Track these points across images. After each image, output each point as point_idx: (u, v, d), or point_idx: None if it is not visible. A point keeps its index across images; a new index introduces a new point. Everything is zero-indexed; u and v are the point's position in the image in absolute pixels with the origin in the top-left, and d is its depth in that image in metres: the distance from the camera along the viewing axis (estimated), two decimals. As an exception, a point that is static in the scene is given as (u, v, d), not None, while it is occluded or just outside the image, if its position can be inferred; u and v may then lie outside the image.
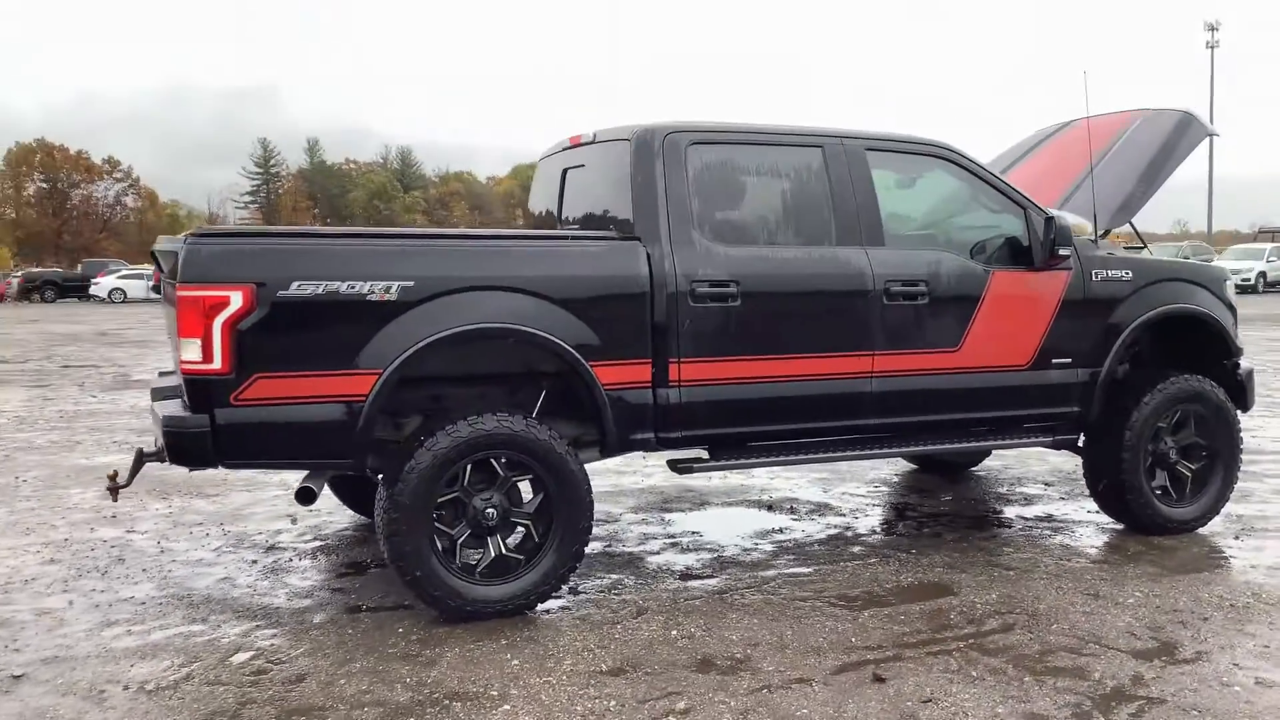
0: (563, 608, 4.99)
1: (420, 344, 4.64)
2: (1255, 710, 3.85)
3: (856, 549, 5.95)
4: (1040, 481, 7.65)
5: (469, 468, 4.79)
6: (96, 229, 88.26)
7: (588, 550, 5.78)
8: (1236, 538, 6.17)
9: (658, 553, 5.89)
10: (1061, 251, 5.71)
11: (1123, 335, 6.03)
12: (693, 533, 6.32)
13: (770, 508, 6.94)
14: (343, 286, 4.57)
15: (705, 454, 5.40)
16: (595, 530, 6.22)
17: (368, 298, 4.60)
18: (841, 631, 4.65)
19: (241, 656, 4.42)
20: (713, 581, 5.37)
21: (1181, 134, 6.59)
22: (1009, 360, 5.81)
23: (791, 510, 6.86)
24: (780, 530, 6.36)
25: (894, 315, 5.51)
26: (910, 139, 5.85)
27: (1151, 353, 6.73)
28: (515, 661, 4.33)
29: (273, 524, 6.57)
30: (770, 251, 5.36)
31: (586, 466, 5.04)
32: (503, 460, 4.83)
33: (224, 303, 4.41)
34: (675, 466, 5.38)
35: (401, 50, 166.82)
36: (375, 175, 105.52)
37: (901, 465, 8.17)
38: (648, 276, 5.07)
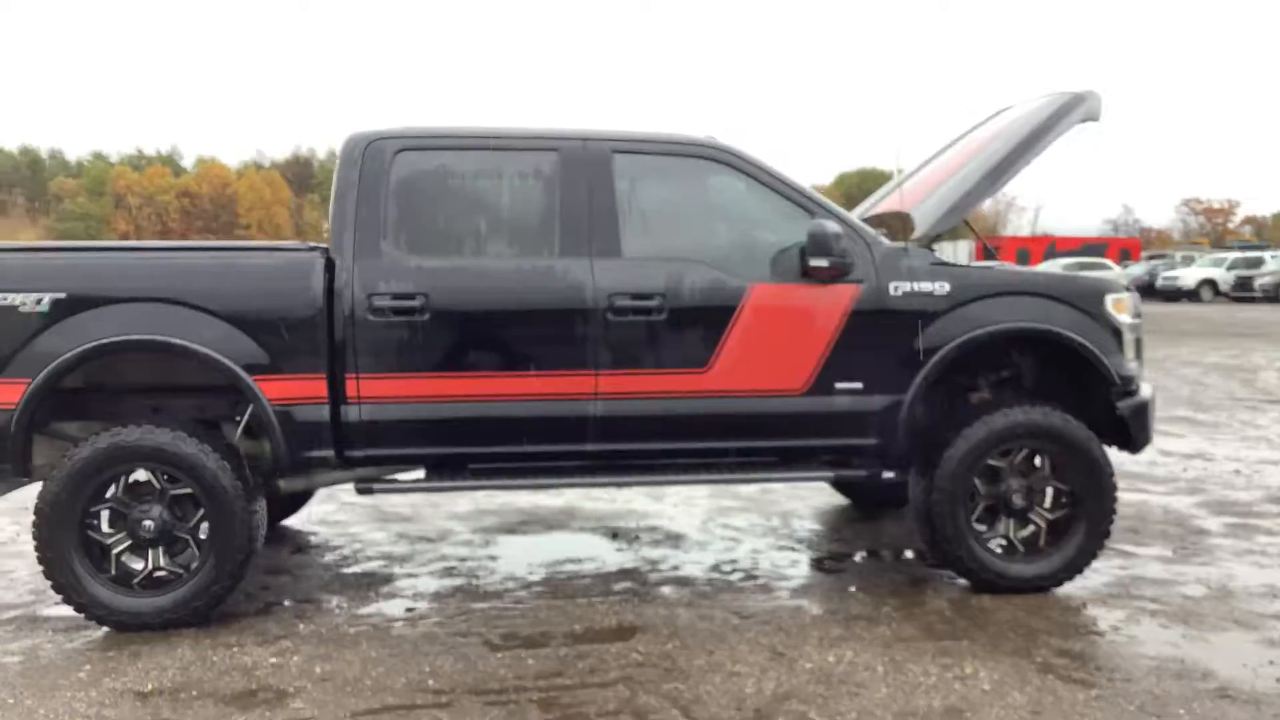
0: (224, 623, 4.90)
1: (68, 355, 4.73)
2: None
3: (620, 586, 5.45)
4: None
5: (124, 479, 4.83)
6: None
7: (360, 569, 5.72)
8: (1084, 605, 5.13)
9: (416, 576, 5.66)
10: (813, 263, 4.99)
11: (934, 358, 5.18)
12: (491, 558, 6.02)
13: (615, 535, 6.49)
14: (-5, 298, 4.75)
15: (397, 474, 5.16)
16: (394, 549, 6.15)
17: (19, 309, 4.75)
18: (443, 672, 4.31)
19: (-118, 647, 4.68)
20: (416, 610, 5.10)
21: (1061, 116, 5.55)
22: (777, 384, 5.14)
23: (633, 540, 6.39)
24: (580, 562, 5.93)
25: (621, 332, 5.02)
26: (675, 139, 5.32)
27: (1038, 381, 5.74)
28: (83, 672, 4.34)
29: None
30: (469, 262, 5.04)
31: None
32: (160, 474, 4.83)
33: None
34: (357, 486, 5.15)
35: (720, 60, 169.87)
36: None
37: (834, 499, 7.39)
38: (322, 290, 4.90)
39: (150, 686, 4.18)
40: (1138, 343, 5.53)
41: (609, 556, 6.03)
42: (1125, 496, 7.19)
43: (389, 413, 4.96)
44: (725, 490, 7.55)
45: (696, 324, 5.08)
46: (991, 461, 5.24)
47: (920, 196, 5.89)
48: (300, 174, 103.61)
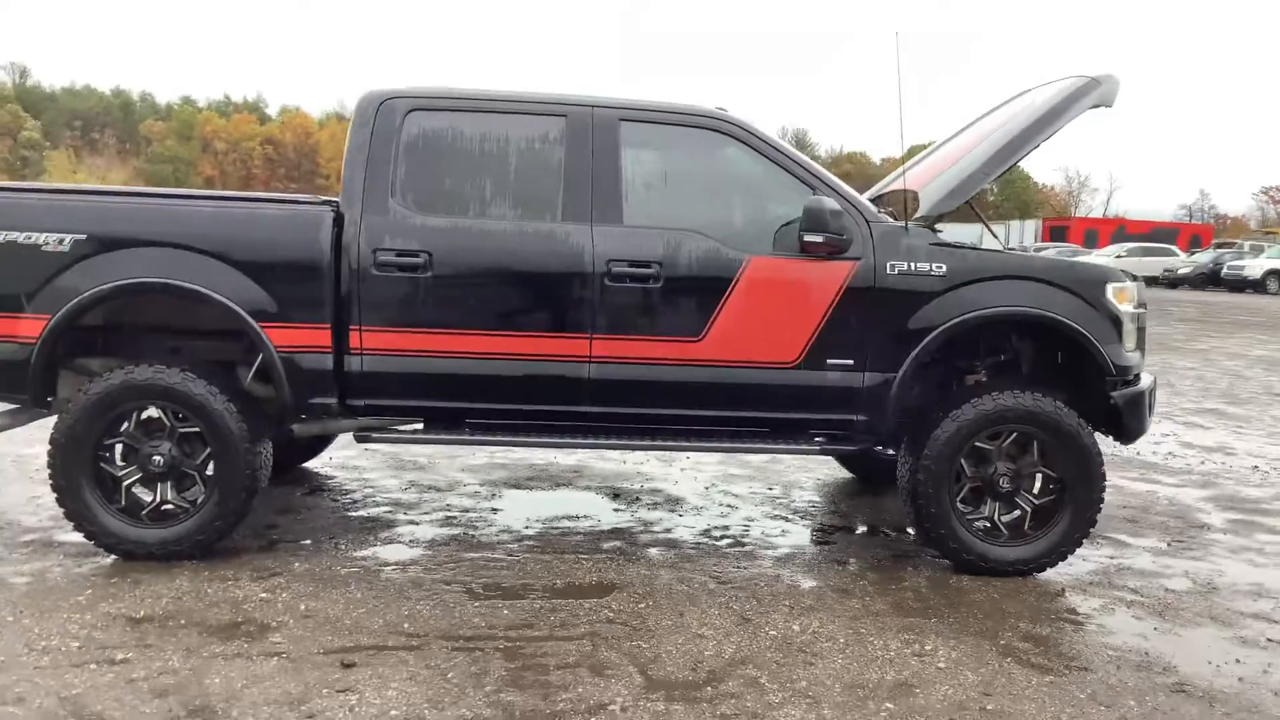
0: (225, 557, 5.12)
1: (86, 294, 4.95)
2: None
3: (610, 545, 5.60)
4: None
5: (137, 414, 5.06)
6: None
7: (366, 513, 5.92)
8: (1063, 592, 5.18)
9: (418, 524, 5.86)
10: (808, 238, 5.06)
11: (927, 339, 5.22)
12: (493, 510, 6.20)
13: (616, 496, 6.64)
14: (20, 237, 4.97)
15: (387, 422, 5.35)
16: (402, 497, 6.34)
17: (43, 248, 4.97)
18: (420, 616, 4.49)
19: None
20: (406, 555, 5.29)
21: (1074, 101, 5.52)
22: (769, 356, 5.22)
23: (633, 500, 6.53)
24: (577, 519, 6.09)
25: (617, 297, 5.14)
26: (683, 109, 5.39)
27: (1036, 367, 5.76)
28: (83, 596, 4.58)
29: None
30: (471, 223, 5.17)
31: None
32: (170, 411, 5.05)
33: None
34: (355, 435, 5.33)
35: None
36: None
37: (840, 472, 7.47)
38: (329, 243, 5.06)
39: (143, 613, 4.41)
40: (1139, 333, 5.53)
41: (606, 516, 6.19)
42: (1133, 486, 7.24)
43: (389, 365, 5.13)
44: (734, 458, 7.67)
45: (692, 293, 5.17)
46: (980, 444, 5.29)
47: (931, 176, 5.91)
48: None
